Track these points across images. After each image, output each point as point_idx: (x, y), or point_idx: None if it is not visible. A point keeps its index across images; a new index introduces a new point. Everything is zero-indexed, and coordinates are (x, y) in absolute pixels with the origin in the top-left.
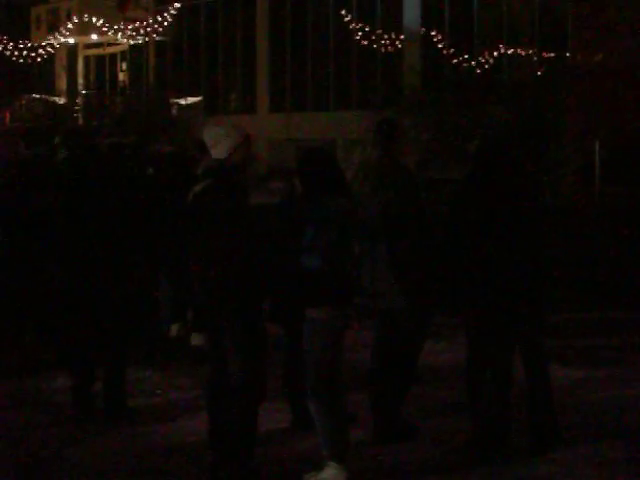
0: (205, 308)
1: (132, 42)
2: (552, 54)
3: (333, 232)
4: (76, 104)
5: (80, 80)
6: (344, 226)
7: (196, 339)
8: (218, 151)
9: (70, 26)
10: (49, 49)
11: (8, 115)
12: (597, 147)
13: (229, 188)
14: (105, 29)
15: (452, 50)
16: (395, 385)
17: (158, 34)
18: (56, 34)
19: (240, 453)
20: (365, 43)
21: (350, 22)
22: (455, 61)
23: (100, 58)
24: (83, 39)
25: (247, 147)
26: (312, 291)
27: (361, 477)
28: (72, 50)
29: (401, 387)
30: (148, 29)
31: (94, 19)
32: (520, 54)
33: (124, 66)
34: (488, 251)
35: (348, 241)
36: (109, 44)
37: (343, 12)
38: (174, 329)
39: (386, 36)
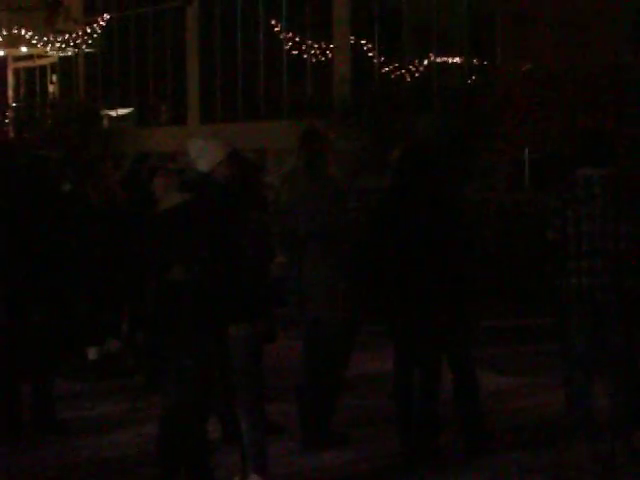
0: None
1: (62, 54)
2: (482, 62)
3: (250, 247)
4: (6, 117)
5: (10, 93)
6: (261, 240)
7: (92, 353)
8: (204, 164)
9: None
10: None
11: None
12: (526, 153)
13: (210, 204)
14: (34, 41)
15: (382, 59)
16: (324, 394)
17: (88, 46)
18: None
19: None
20: (295, 53)
21: (280, 32)
22: (385, 70)
23: (30, 70)
24: (12, 51)
25: (232, 163)
26: (230, 308)
27: None
28: (1, 63)
29: (330, 396)
30: (77, 41)
31: (23, 31)
32: (450, 62)
33: (54, 78)
34: (410, 259)
35: (266, 255)
36: (39, 56)
37: (273, 22)
38: (92, 352)
39: (316, 46)
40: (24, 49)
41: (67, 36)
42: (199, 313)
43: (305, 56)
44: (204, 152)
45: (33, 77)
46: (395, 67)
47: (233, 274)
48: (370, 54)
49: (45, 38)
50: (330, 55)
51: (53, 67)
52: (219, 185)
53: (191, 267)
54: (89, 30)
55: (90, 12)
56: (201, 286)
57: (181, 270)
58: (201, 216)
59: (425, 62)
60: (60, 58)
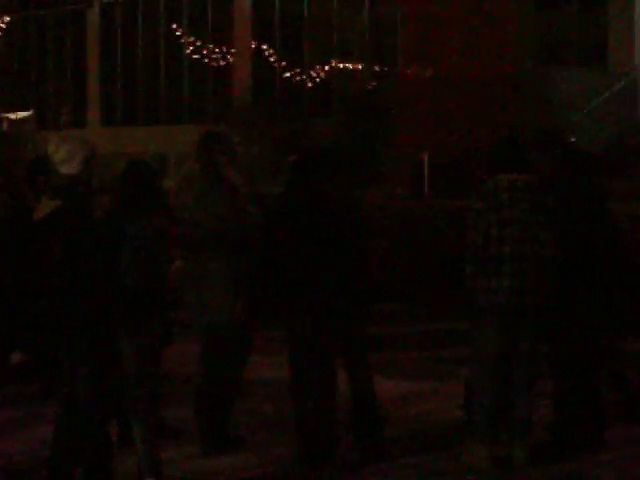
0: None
1: None
2: (383, 68)
3: (147, 251)
4: None
5: None
6: (158, 245)
7: (15, 357)
8: (71, 166)
9: None
10: None
11: None
12: (426, 159)
13: (82, 209)
14: None
15: (283, 64)
16: (220, 398)
17: None
18: None
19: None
20: (196, 57)
21: (181, 36)
22: (286, 75)
23: None
24: None
25: (96, 160)
26: (124, 311)
27: None
28: None
29: (226, 400)
30: None
31: None
32: (351, 68)
33: None
34: (306, 264)
35: (162, 259)
36: None
37: (174, 26)
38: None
39: (217, 50)
40: None
41: None
42: (90, 321)
43: (206, 60)
44: (65, 155)
45: None
46: (296, 72)
47: (113, 285)
48: (271, 59)
49: None
50: (231, 60)
51: None
52: (86, 188)
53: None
54: None
55: None
56: (89, 295)
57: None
58: (71, 223)
59: (326, 67)
60: None
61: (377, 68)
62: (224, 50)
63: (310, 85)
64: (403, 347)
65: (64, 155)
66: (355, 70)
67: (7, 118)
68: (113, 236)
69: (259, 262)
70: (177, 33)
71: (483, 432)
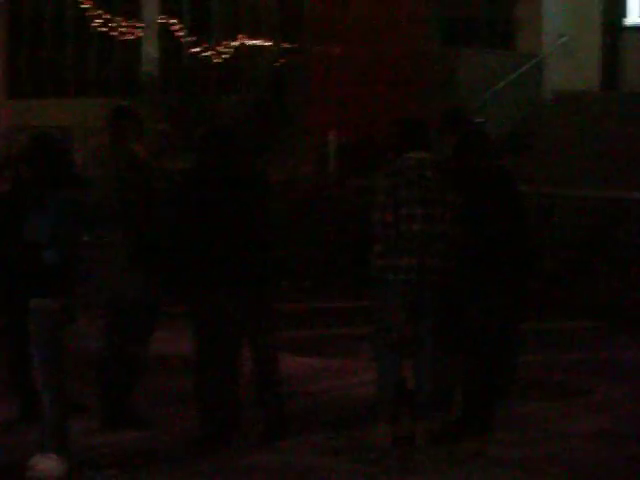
0: None
1: None
2: (291, 45)
3: (69, 225)
4: None
5: None
6: (76, 218)
7: None
8: None
9: None
10: None
11: None
12: (333, 138)
13: None
14: None
15: (191, 39)
16: (124, 374)
17: None
18: None
19: None
20: (104, 30)
21: (88, 9)
22: (194, 50)
23: None
24: None
25: None
26: (39, 283)
27: (85, 467)
28: None
29: (129, 376)
30: None
31: None
32: (259, 45)
33: None
34: (212, 240)
35: (78, 233)
36: None
37: None
38: None
39: (124, 24)
40: None
41: None
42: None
43: (114, 34)
44: None
45: None
46: (204, 48)
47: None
48: (179, 34)
49: None
50: (139, 34)
51: None
52: None
53: None
54: None
55: None
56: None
57: None
58: None
59: (234, 44)
60: None
61: (286, 45)
62: (132, 24)
63: (218, 61)
64: (310, 324)
65: None
66: (263, 47)
67: None
68: (26, 208)
69: (165, 237)
70: (84, 5)
71: (385, 410)
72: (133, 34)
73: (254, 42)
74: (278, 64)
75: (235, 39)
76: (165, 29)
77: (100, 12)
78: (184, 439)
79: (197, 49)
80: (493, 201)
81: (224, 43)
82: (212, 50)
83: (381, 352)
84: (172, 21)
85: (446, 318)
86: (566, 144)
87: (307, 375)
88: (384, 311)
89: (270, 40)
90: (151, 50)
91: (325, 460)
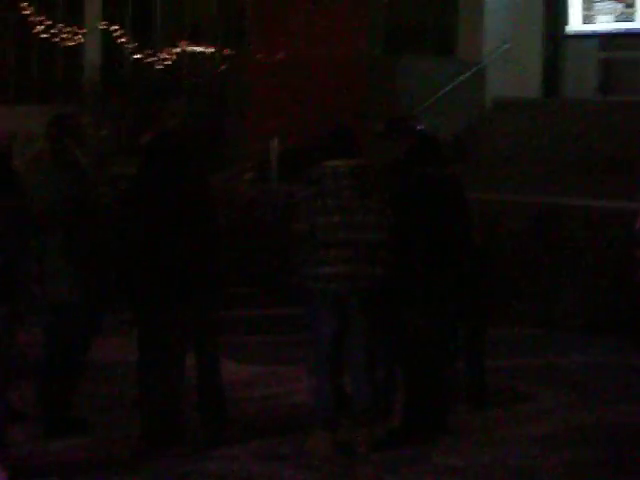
0: None
1: None
2: (233, 51)
3: (12, 230)
4: None
5: None
6: (19, 224)
7: None
8: None
9: None
10: None
11: None
12: (275, 145)
13: None
14: None
15: (134, 45)
16: (64, 380)
17: None
18: None
19: None
20: (45, 36)
21: (30, 15)
22: (136, 57)
23: None
24: None
25: None
26: None
27: (26, 474)
28: None
29: (70, 381)
30: None
31: None
32: (202, 51)
33: None
34: (154, 248)
35: (22, 238)
36: None
37: (24, 4)
38: None
39: (67, 30)
40: None
41: None
42: None
43: (56, 40)
44: None
45: None
46: (147, 54)
47: None
48: (122, 40)
49: None
50: (81, 40)
51: None
52: None
53: None
54: None
55: None
56: None
57: None
58: None
59: (177, 50)
60: None
61: (228, 51)
62: (74, 30)
63: (161, 67)
64: (249, 330)
65: None
66: (206, 53)
67: None
68: None
69: (110, 244)
70: (26, 12)
71: (324, 418)
72: (75, 40)
73: (196, 48)
74: (220, 70)
75: (177, 45)
76: (107, 35)
77: (42, 18)
78: (126, 445)
79: (139, 55)
80: (445, 207)
81: (166, 49)
82: (154, 56)
83: (317, 359)
84: (114, 27)
85: (382, 326)
86: (507, 151)
87: (248, 382)
88: (313, 319)
89: (212, 46)
90: (93, 56)
91: (267, 467)
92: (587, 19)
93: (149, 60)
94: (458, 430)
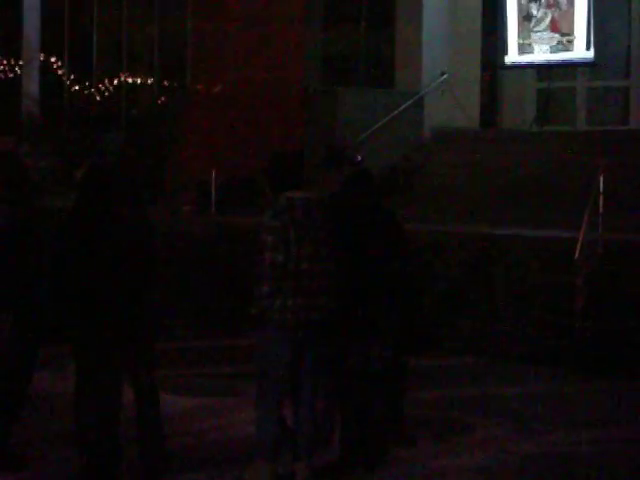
0: None
1: None
2: (172, 83)
3: None
4: None
5: None
6: None
7: None
8: None
9: None
10: None
11: None
12: (213, 176)
13: None
14: None
15: (72, 77)
16: (6, 412)
17: None
18: None
19: None
20: None
21: None
22: (75, 88)
23: None
24: None
25: None
26: None
27: None
28: None
29: (8, 415)
30: None
31: None
32: (140, 82)
33: None
34: (91, 280)
35: None
36: None
37: None
38: None
39: (5, 62)
40: None
41: None
42: None
43: None
44: None
45: None
46: (85, 85)
47: None
48: (60, 72)
49: None
50: (19, 72)
51: None
52: None
53: None
54: None
55: None
56: None
57: None
58: None
59: (115, 81)
60: None
61: (166, 83)
62: (12, 62)
63: (99, 99)
64: (186, 363)
65: None
66: (144, 85)
67: None
68: None
69: (47, 277)
70: None
71: (265, 449)
72: (13, 72)
73: (135, 80)
74: (159, 102)
75: (116, 77)
76: (45, 67)
77: None
78: (65, 479)
79: (77, 86)
80: (380, 239)
81: (105, 81)
82: (93, 88)
83: (261, 390)
84: (52, 59)
85: (326, 358)
86: (446, 181)
87: (186, 414)
88: (266, 351)
89: (151, 77)
90: (32, 88)
91: None
92: (524, 49)
93: (87, 92)
94: (396, 461)
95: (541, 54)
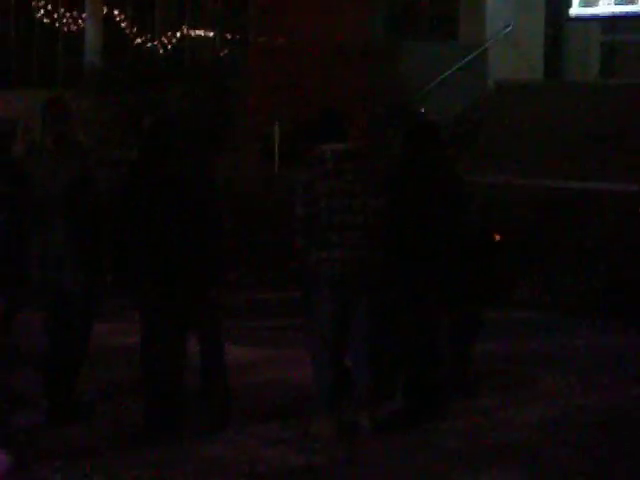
0: None
1: None
2: (234, 36)
3: (8, 216)
4: None
5: None
6: (11, 211)
7: None
8: None
9: None
10: None
11: None
12: (277, 129)
13: None
14: None
15: (134, 30)
16: (68, 365)
17: None
18: None
19: None
20: (47, 21)
21: (32, 0)
22: (137, 41)
23: None
24: None
25: None
26: None
27: (31, 460)
28: None
29: (74, 367)
30: None
31: None
32: (202, 35)
33: None
34: (158, 232)
35: (22, 225)
36: None
37: None
38: None
39: (68, 15)
40: None
41: None
42: None
43: (57, 25)
44: None
45: None
46: (148, 39)
47: None
48: (122, 24)
49: None
50: (82, 25)
51: None
52: None
53: None
54: None
55: None
56: None
57: None
58: None
59: (178, 34)
60: None
61: (229, 36)
62: (75, 15)
63: (161, 52)
64: (252, 315)
65: None
66: (207, 38)
67: None
68: None
69: (111, 230)
70: None
71: (325, 402)
72: (76, 25)
73: (197, 33)
74: (222, 55)
75: (178, 30)
76: (108, 20)
77: (43, 3)
78: (129, 430)
79: (140, 40)
80: (435, 193)
81: (167, 34)
82: (155, 41)
83: (317, 343)
84: (115, 11)
85: (381, 313)
86: (510, 133)
87: (251, 366)
88: (312, 305)
89: (213, 31)
90: (94, 41)
91: (271, 451)
92: (589, 1)
93: (150, 44)
94: (456, 414)
95: (605, 6)
